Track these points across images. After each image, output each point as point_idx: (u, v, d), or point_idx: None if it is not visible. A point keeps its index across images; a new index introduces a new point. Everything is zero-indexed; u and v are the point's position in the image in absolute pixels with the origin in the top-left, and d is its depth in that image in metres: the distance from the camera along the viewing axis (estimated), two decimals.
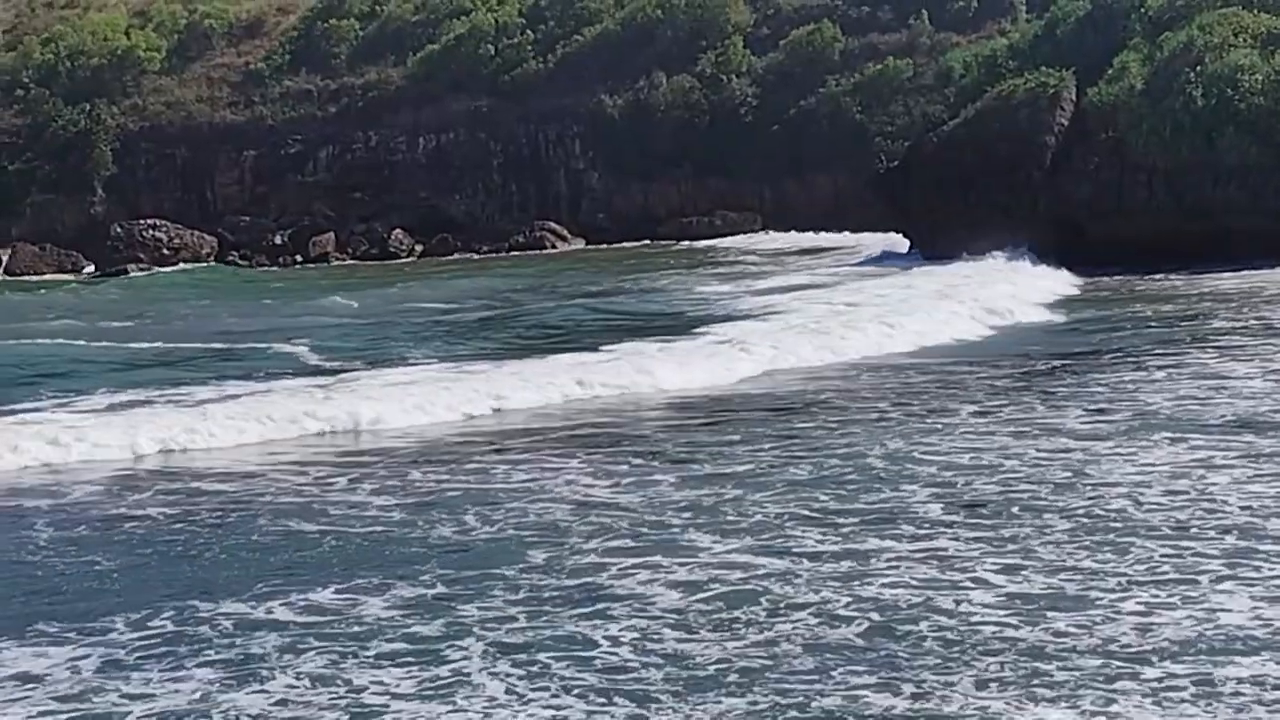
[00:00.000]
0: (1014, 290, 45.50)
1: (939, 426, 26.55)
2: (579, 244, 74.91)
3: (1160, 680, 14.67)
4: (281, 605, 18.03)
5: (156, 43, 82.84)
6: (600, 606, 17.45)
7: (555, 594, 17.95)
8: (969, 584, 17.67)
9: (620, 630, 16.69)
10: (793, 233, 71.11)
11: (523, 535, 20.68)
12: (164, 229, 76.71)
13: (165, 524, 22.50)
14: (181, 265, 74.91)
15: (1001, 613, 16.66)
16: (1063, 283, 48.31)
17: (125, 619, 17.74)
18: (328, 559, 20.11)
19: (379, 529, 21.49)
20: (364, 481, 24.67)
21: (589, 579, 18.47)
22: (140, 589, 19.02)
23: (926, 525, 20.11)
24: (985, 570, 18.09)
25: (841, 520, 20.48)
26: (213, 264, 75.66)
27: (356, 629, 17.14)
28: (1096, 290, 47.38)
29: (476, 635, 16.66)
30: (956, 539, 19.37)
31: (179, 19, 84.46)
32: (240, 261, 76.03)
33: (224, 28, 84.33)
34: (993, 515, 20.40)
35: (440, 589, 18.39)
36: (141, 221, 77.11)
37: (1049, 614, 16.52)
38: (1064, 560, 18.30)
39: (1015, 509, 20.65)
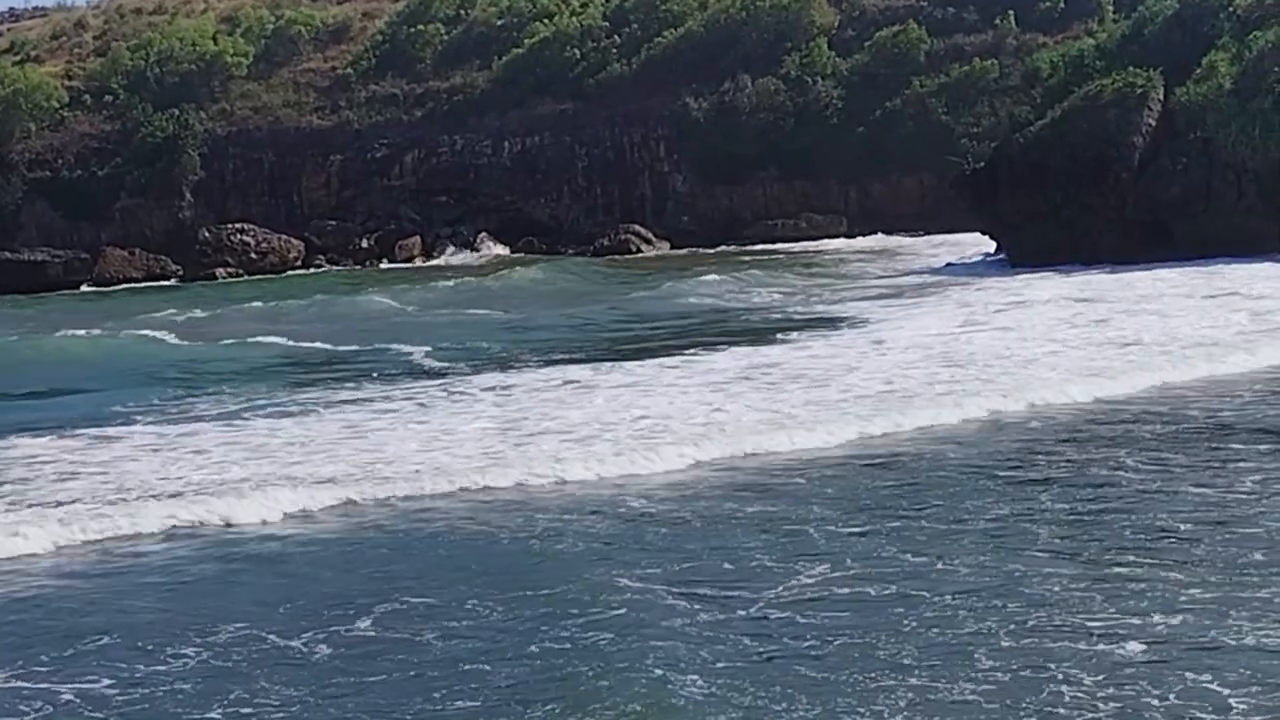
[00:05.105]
0: None
1: None
2: (664, 247, 74.68)
3: None
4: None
5: (244, 48, 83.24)
6: None
7: None
8: None
9: None
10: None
11: None
12: (251, 233, 77.06)
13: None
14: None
15: None
16: None
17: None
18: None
19: None
20: None
21: None
22: None
23: None
24: None
25: None
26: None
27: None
28: None
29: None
30: None
31: (266, 24, 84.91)
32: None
33: (310, 33, 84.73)
34: None
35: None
36: (229, 226, 77.48)
37: None
38: None
39: None
